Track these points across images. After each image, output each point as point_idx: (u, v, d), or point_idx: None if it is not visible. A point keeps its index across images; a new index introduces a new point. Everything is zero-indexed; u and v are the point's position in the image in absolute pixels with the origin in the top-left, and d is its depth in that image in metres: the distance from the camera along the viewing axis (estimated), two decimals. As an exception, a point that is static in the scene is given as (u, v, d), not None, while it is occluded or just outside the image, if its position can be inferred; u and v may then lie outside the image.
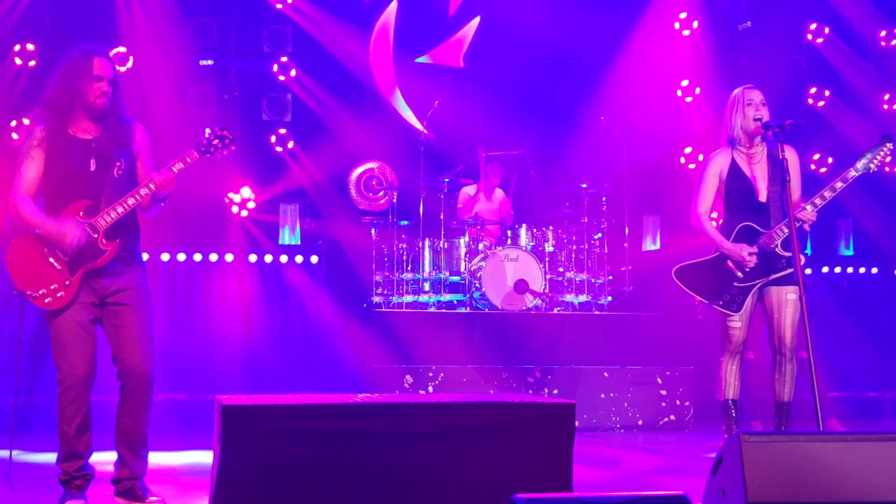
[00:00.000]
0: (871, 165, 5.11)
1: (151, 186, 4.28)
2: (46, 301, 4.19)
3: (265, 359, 8.18)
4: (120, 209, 4.25)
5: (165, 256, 8.44)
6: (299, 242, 9.09)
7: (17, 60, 8.30)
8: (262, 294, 8.48)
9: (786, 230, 5.10)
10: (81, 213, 4.24)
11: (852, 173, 5.11)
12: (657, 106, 10.09)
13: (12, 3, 8.28)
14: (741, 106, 5.24)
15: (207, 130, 4.53)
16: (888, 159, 5.24)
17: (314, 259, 9.02)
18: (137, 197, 4.29)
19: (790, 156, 5.14)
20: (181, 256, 8.34)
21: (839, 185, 5.11)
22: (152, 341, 4.37)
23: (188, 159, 4.40)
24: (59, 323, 4.22)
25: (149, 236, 4.73)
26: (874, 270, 9.99)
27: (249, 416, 3.43)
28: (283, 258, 8.80)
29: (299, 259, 8.93)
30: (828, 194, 5.11)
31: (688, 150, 9.70)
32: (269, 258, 8.71)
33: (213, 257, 8.46)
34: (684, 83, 9.87)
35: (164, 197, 4.38)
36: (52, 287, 4.19)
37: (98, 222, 4.24)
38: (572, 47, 10.00)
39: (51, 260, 4.21)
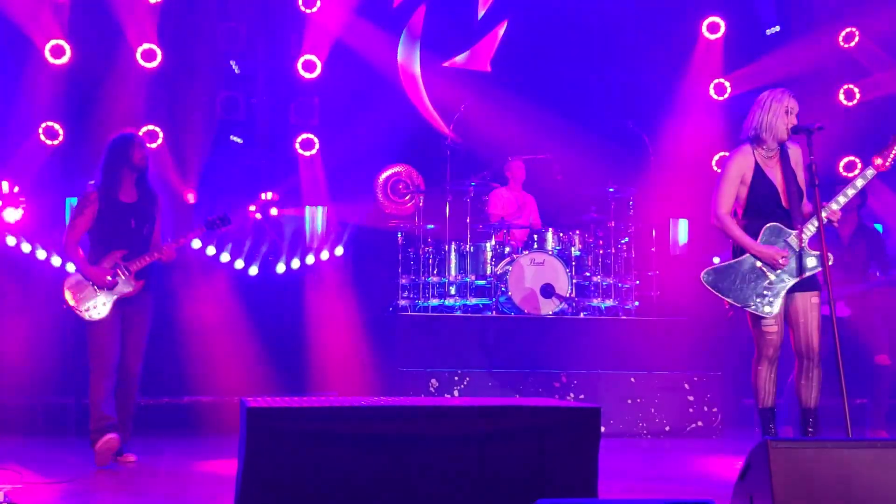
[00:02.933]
0: (886, 163, 5.10)
1: (164, 253, 5.89)
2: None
3: (291, 361, 8.21)
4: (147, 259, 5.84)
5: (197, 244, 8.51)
6: (325, 245, 9.12)
7: (51, 58, 8.38)
8: (288, 297, 8.51)
9: (812, 228, 5.07)
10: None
11: (871, 171, 5.10)
12: (685, 109, 10.04)
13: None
14: (780, 112, 5.15)
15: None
16: None
17: (340, 262, 9.05)
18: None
19: (795, 152, 5.13)
20: (210, 250, 8.41)
21: (860, 182, 5.10)
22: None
23: (193, 235, 6.30)
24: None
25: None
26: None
27: (274, 419, 3.45)
28: (310, 259, 8.83)
29: (325, 262, 8.95)
30: (850, 192, 5.09)
31: (718, 155, 9.63)
32: (295, 262, 8.74)
33: (239, 264, 8.50)
34: (716, 81, 9.80)
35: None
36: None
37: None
38: (599, 51, 9.98)
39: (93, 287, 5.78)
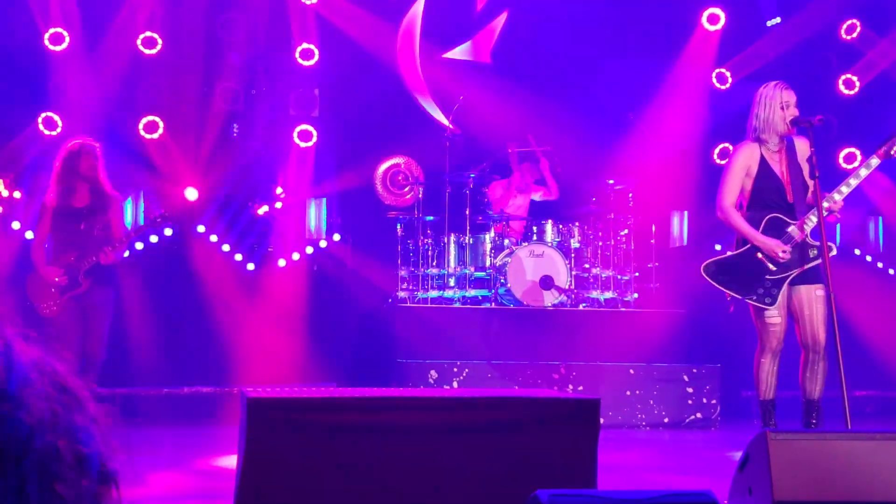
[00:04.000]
0: (893, 152, 5.04)
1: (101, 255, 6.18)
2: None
3: (291, 352, 8.22)
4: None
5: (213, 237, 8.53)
6: (325, 237, 9.11)
7: (50, 45, 8.33)
8: (288, 288, 8.51)
9: (813, 219, 5.07)
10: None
11: (875, 160, 5.06)
12: (685, 100, 10.02)
13: None
14: (776, 106, 5.15)
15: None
16: None
17: (339, 254, 9.05)
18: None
19: (803, 145, 5.11)
20: (213, 237, 8.42)
21: (863, 171, 5.08)
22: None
23: (133, 234, 6.69)
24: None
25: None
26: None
27: (274, 410, 3.45)
28: (309, 250, 8.82)
29: (325, 253, 8.95)
30: (853, 181, 5.08)
31: (720, 146, 9.63)
32: (295, 254, 8.73)
33: (238, 256, 8.49)
34: (717, 71, 9.78)
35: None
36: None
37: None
38: (599, 42, 9.95)
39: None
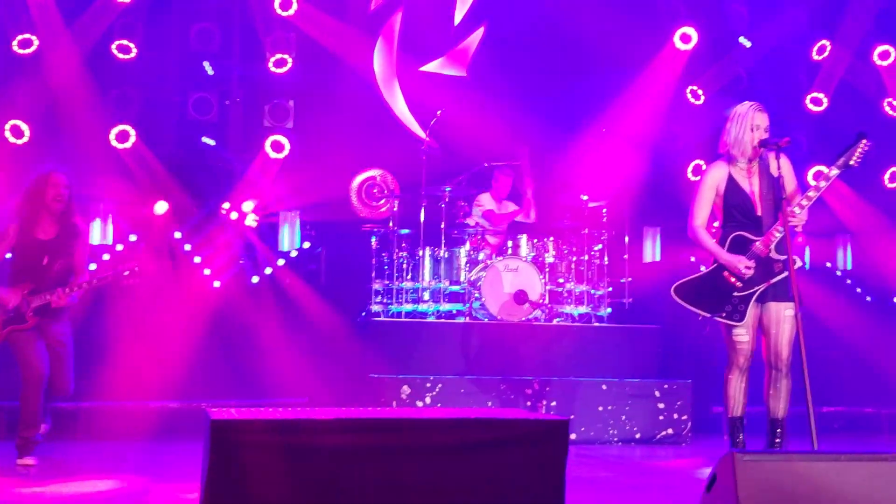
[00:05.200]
0: (851, 162, 5.14)
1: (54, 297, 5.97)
2: None
3: (264, 367, 8.15)
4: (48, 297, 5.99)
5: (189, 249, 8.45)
6: (299, 250, 9.06)
7: (18, 50, 8.24)
8: (262, 302, 8.45)
9: (777, 234, 5.13)
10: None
11: (834, 171, 5.13)
12: (660, 116, 10.07)
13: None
14: (747, 127, 5.22)
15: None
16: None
17: (314, 267, 9.01)
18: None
19: (784, 163, 5.17)
20: (197, 260, 8.36)
21: (823, 184, 5.13)
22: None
23: (94, 281, 6.11)
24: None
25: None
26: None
27: (238, 431, 3.41)
28: (281, 262, 8.77)
29: (299, 266, 8.90)
30: (812, 194, 5.13)
31: (694, 163, 9.70)
32: (268, 268, 8.68)
33: (207, 271, 8.42)
34: (691, 88, 9.86)
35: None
36: None
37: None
38: (575, 58, 9.99)
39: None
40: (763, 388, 5.29)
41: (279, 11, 8.98)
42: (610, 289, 8.94)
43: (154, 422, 7.67)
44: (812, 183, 5.59)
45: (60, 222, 6.12)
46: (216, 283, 8.39)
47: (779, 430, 5.23)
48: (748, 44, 10.00)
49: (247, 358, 8.15)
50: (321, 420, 3.55)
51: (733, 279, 5.21)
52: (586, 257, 8.85)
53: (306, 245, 8.92)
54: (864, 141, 5.16)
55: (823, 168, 9.81)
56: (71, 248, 6.11)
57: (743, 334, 5.21)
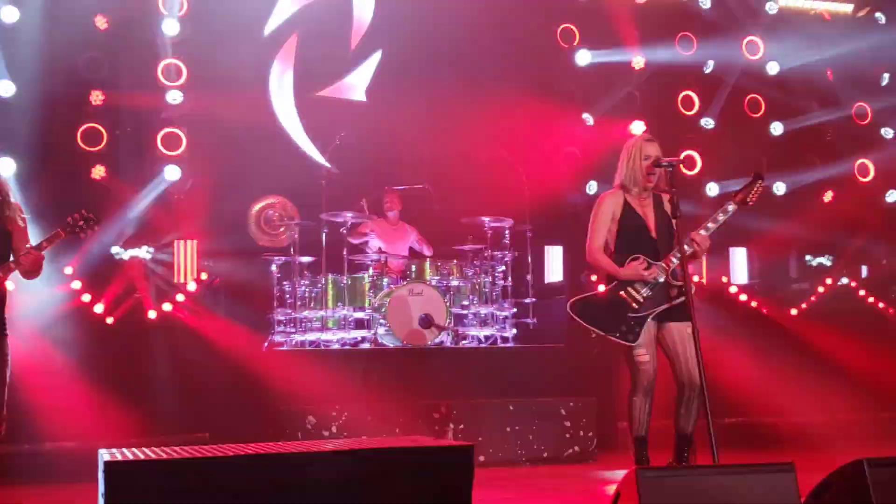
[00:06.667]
0: (748, 200, 5.35)
1: (21, 263, 5.08)
2: None
3: (161, 403, 7.92)
4: None
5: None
6: (197, 280, 8.87)
7: None
8: (158, 336, 8.22)
9: (674, 261, 5.24)
10: None
11: (731, 206, 5.33)
12: (558, 137, 10.25)
13: None
14: (638, 159, 5.39)
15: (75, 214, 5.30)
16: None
17: (213, 298, 8.82)
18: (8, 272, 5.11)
19: (666, 196, 5.32)
20: (86, 298, 8.08)
21: (721, 217, 5.32)
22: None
23: (55, 240, 5.21)
24: None
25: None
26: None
27: (133, 473, 3.31)
28: (180, 297, 8.57)
29: (197, 298, 8.70)
30: (711, 226, 5.30)
31: (592, 182, 9.90)
32: (165, 302, 8.46)
33: (99, 307, 8.17)
34: (585, 115, 10.10)
35: (39, 267, 5.17)
36: None
37: None
38: (474, 81, 10.08)
39: None
40: (675, 407, 5.36)
41: (168, 37, 8.83)
42: (514, 309, 9.03)
43: (48, 464, 7.37)
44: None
45: None
46: (109, 320, 8.14)
47: (688, 445, 5.33)
48: (641, 64, 10.28)
49: (144, 394, 7.90)
50: (221, 458, 3.46)
51: (629, 300, 5.30)
52: (490, 279, 8.93)
53: (204, 276, 8.74)
54: (761, 182, 5.39)
55: (716, 184, 10.28)
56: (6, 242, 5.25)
57: (644, 354, 5.29)
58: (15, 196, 5.60)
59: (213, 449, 3.65)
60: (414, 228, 9.55)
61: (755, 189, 5.34)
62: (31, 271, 5.19)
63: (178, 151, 8.95)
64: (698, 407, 5.27)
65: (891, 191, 11.14)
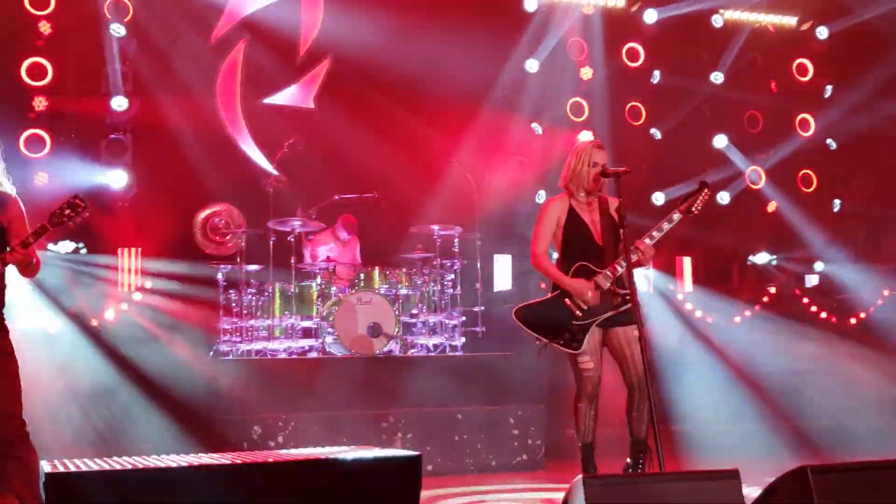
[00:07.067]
0: (693, 209, 5.31)
1: (6, 261, 4.74)
2: None
3: (105, 414, 7.80)
4: None
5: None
6: (142, 289, 8.75)
7: None
8: (103, 346, 8.09)
9: (619, 269, 5.23)
10: None
11: (676, 216, 5.28)
12: (508, 146, 10.31)
13: None
14: (585, 164, 5.35)
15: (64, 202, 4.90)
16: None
17: (159, 307, 8.70)
18: None
19: (613, 201, 5.34)
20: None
21: (666, 226, 5.27)
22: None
23: (42, 233, 4.81)
24: None
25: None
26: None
27: (75, 485, 3.25)
28: (124, 306, 8.45)
29: (143, 307, 8.59)
30: (656, 234, 5.25)
31: (541, 191, 9.98)
32: (109, 309, 8.33)
33: (39, 322, 8.01)
34: (534, 125, 10.17)
35: (29, 263, 4.80)
36: None
37: None
38: (425, 88, 10.10)
39: None
40: (625, 411, 5.33)
41: (114, 42, 8.72)
42: (463, 318, 9.04)
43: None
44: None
45: None
46: (52, 330, 7.99)
47: (643, 452, 5.29)
48: (589, 74, 10.40)
49: (89, 406, 7.77)
50: (164, 468, 3.42)
51: (573, 307, 5.28)
52: (439, 287, 8.94)
53: (149, 284, 8.62)
54: (706, 190, 5.35)
55: (662, 194, 10.44)
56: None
57: (588, 361, 5.29)
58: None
59: (156, 459, 3.60)
60: (358, 241, 9.55)
61: (700, 198, 5.32)
62: (25, 268, 4.84)
63: (123, 158, 8.83)
64: (650, 408, 5.24)
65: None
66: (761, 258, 11.39)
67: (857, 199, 11.54)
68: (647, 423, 5.24)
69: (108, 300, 8.47)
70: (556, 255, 5.54)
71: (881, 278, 10.87)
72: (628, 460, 5.36)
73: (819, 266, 11.37)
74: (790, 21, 11.67)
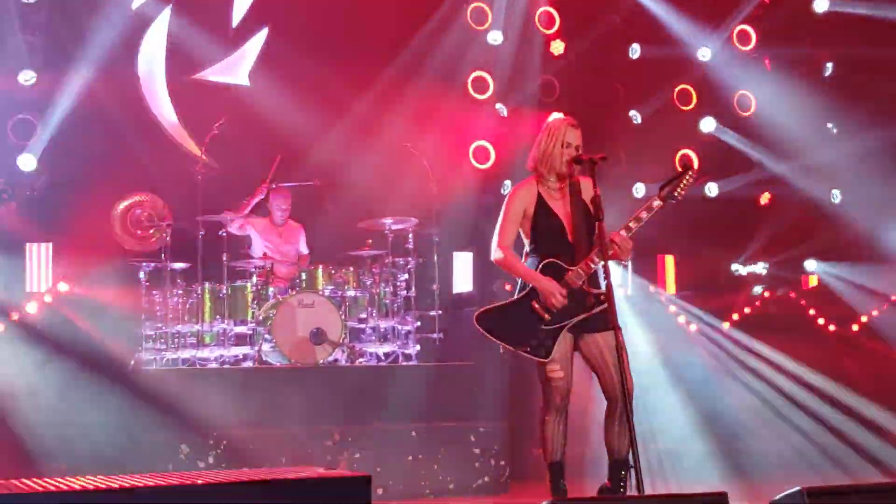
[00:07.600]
0: (676, 194, 5.25)
1: None
2: None
3: (13, 430, 7.76)
4: None
5: None
6: (52, 289, 8.71)
7: None
8: (6, 356, 8.04)
9: (592, 266, 5.21)
10: None
11: (657, 202, 5.25)
12: (470, 131, 10.38)
13: None
14: (558, 143, 5.32)
15: None
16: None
17: (70, 310, 8.67)
18: None
19: (588, 185, 5.29)
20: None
21: (644, 214, 5.24)
22: None
23: None
24: None
25: None
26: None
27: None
28: (31, 308, 8.41)
29: (52, 311, 8.55)
30: (633, 225, 5.22)
31: (507, 182, 10.06)
32: (13, 312, 8.28)
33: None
34: (498, 105, 10.25)
35: None
36: None
37: None
38: (374, 65, 10.13)
39: None
40: (604, 425, 5.34)
41: (21, 9, 8.68)
42: (418, 323, 9.09)
43: None
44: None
45: None
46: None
47: (624, 472, 5.25)
48: (560, 49, 10.51)
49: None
50: (79, 492, 3.44)
51: (542, 311, 5.26)
52: (391, 289, 8.98)
53: (61, 286, 8.58)
54: (690, 173, 5.30)
55: (643, 185, 10.59)
56: None
57: (557, 370, 5.27)
58: None
59: (70, 482, 3.62)
60: (302, 227, 9.53)
61: (684, 181, 5.24)
62: None
63: (31, 140, 8.78)
64: (632, 423, 5.16)
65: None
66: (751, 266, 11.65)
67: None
68: (628, 438, 5.01)
69: (9, 300, 8.41)
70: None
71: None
72: (607, 483, 5.32)
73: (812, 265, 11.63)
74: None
